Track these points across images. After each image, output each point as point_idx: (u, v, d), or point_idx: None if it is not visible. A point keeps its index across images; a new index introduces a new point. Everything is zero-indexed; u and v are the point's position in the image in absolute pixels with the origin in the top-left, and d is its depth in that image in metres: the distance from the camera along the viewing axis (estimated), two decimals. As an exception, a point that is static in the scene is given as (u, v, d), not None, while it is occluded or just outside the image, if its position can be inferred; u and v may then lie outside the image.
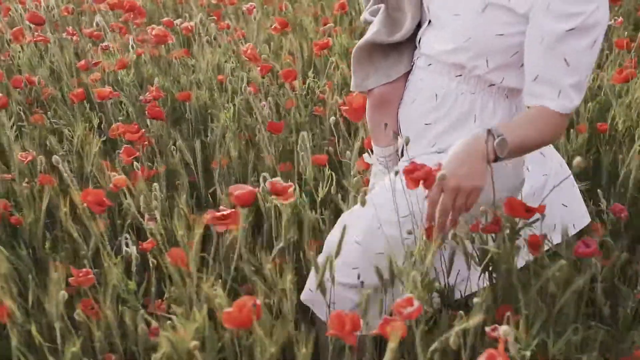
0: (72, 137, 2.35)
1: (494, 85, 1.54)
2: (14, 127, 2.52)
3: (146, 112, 2.36)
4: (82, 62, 2.79)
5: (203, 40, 3.12)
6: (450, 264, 1.49)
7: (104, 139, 2.48)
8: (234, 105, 2.50)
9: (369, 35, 1.71)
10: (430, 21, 1.60)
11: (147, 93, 2.45)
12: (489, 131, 1.37)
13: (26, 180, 2.12)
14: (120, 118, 2.69)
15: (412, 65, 1.68)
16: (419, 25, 1.66)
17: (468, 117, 1.57)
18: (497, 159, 1.38)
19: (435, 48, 1.57)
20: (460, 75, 1.55)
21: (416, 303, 1.14)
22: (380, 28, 1.69)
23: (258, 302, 1.19)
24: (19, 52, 3.08)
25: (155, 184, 1.89)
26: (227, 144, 2.31)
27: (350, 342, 1.15)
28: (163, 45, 3.00)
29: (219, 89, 2.82)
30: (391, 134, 1.74)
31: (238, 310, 1.19)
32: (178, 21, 3.37)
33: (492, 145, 1.36)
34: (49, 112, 2.71)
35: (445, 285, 1.53)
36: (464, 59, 1.52)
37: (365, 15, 1.79)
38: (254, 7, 3.49)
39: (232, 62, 2.99)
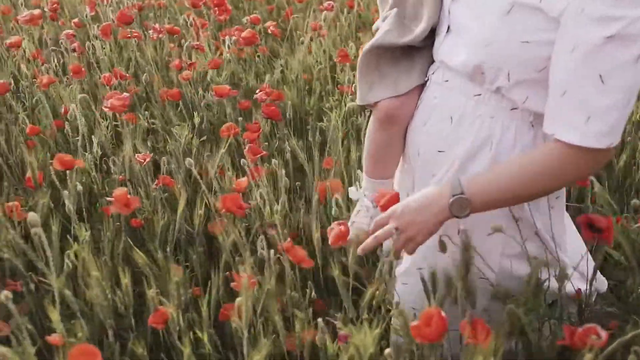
0: (179, 137, 2.27)
1: (516, 108, 1.30)
2: (109, 127, 2.47)
3: (261, 111, 2.29)
4: (176, 61, 2.71)
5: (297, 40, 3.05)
6: None
7: (204, 138, 2.42)
8: (345, 104, 2.43)
9: (376, 37, 1.46)
10: (449, 27, 1.38)
11: (259, 91, 2.37)
12: (452, 185, 1.25)
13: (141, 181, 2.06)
14: (213, 118, 2.62)
15: (427, 80, 1.45)
16: (433, 33, 1.44)
17: (484, 146, 1.34)
18: (457, 217, 1.26)
19: (454, 58, 1.35)
20: (480, 95, 1.33)
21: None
22: (392, 29, 1.45)
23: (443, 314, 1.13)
24: (104, 48, 3.02)
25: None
26: (340, 144, 2.23)
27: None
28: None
29: (311, 90, 2.76)
30: (391, 166, 1.53)
31: (425, 324, 1.13)
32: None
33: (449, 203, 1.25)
34: (139, 112, 2.64)
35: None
36: (484, 70, 1.29)
37: (379, 22, 1.54)
38: (332, 6, 3.41)
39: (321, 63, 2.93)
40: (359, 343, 1.19)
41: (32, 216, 1.36)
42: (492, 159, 1.33)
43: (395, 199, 1.36)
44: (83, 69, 2.76)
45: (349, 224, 1.57)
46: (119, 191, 1.72)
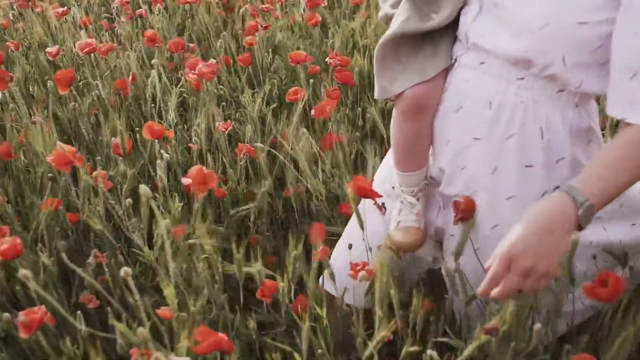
0: (249, 105, 2.19)
1: (563, 91, 1.22)
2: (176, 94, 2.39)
3: (334, 77, 2.21)
4: (252, 22, 2.62)
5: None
6: None
7: (275, 105, 2.34)
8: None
9: (396, 26, 1.33)
10: (480, 7, 1.26)
11: (329, 58, 2.28)
12: (570, 195, 1.08)
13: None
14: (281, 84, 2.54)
15: (454, 62, 1.34)
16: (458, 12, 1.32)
17: (532, 133, 1.25)
18: (580, 229, 1.09)
19: (491, 42, 1.24)
20: (523, 79, 1.23)
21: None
22: (411, 15, 1.33)
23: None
24: (157, 14, 2.94)
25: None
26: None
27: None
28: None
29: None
30: (424, 156, 1.40)
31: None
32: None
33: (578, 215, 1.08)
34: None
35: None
36: (534, 55, 1.18)
37: (385, 8, 1.44)
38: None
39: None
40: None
41: (143, 189, 1.29)
42: (546, 147, 1.24)
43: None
44: (157, 34, 2.67)
45: (394, 225, 1.47)
46: (195, 170, 1.68)
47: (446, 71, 1.33)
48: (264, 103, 2.28)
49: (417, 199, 1.43)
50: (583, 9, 1.13)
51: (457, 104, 1.31)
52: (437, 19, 1.30)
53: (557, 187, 1.22)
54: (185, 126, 2.32)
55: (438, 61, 1.32)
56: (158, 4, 3.07)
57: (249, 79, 2.54)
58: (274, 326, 1.48)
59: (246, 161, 1.94)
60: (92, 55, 2.49)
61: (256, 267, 1.39)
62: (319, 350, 1.30)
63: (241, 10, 2.93)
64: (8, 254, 1.31)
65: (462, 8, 1.30)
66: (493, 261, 1.09)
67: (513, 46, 1.20)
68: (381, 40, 1.34)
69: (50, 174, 1.93)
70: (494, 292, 1.09)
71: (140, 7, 3.07)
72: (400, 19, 1.33)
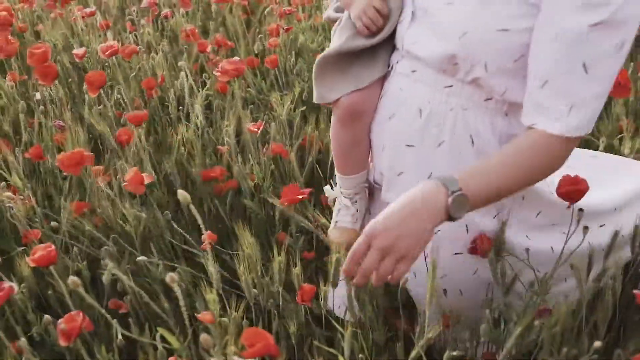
0: (276, 107, 2.17)
1: (491, 99, 1.22)
2: (201, 96, 2.38)
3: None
4: (274, 25, 2.60)
5: None
6: None
7: (303, 108, 2.32)
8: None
9: (342, 42, 1.33)
10: (413, 14, 1.26)
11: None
12: (443, 182, 1.08)
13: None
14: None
15: (390, 69, 1.34)
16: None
17: (462, 140, 1.25)
18: (451, 219, 1.09)
19: (422, 48, 1.24)
20: (451, 87, 1.23)
21: None
22: (354, 33, 1.33)
23: None
24: (184, 17, 2.93)
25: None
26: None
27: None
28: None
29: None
30: (362, 161, 1.41)
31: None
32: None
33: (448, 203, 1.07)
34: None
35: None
36: (458, 61, 1.18)
37: (329, 12, 1.44)
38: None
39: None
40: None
41: (182, 194, 1.28)
42: (477, 153, 1.25)
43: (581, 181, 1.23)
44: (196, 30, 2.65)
45: (332, 224, 1.51)
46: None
47: (383, 79, 1.34)
48: (293, 105, 2.27)
49: (355, 202, 1.46)
50: (504, 17, 1.12)
51: (391, 112, 1.31)
52: (382, 34, 1.30)
53: None
54: (211, 129, 2.30)
55: (375, 69, 1.32)
56: (181, 8, 3.06)
57: (272, 81, 2.52)
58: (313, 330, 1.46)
59: (278, 161, 1.92)
60: (115, 57, 2.48)
61: (296, 271, 1.37)
62: (360, 355, 1.28)
63: (265, 12, 2.91)
64: (43, 262, 1.29)
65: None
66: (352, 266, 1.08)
67: (440, 52, 1.20)
68: (325, 53, 1.35)
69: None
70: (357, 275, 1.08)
71: (163, 10, 3.06)
72: (347, 35, 1.33)
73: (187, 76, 2.20)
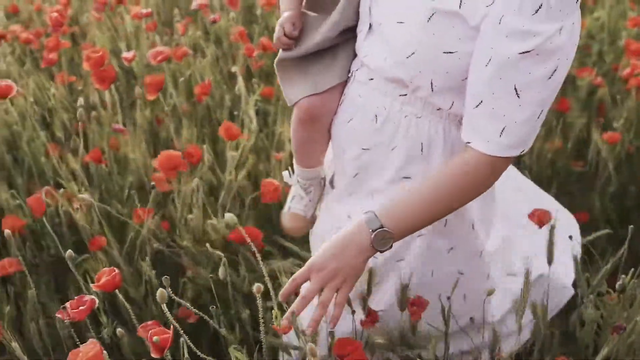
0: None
1: (442, 109, 1.26)
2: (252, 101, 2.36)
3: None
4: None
5: None
6: None
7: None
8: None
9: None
10: (370, 26, 1.29)
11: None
12: (366, 221, 1.18)
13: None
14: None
15: (350, 76, 1.37)
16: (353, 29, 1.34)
17: (413, 146, 1.30)
18: (380, 251, 1.20)
19: (373, 60, 1.28)
20: (405, 95, 1.26)
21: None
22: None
23: None
24: (229, 20, 2.91)
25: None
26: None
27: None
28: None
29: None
30: (317, 157, 1.48)
31: None
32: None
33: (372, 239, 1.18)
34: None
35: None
36: (406, 77, 1.22)
37: None
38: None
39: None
40: None
41: (230, 216, 1.29)
42: (425, 160, 1.30)
43: None
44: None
45: (285, 209, 1.60)
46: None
47: (344, 84, 1.37)
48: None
49: (309, 192, 1.53)
50: (450, 39, 1.14)
51: (350, 116, 1.35)
52: (313, 42, 1.34)
53: None
54: (261, 134, 2.29)
55: (333, 75, 1.36)
56: (232, 12, 3.02)
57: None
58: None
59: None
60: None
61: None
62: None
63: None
64: (108, 287, 1.29)
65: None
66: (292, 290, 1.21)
67: (388, 70, 1.24)
68: (277, 58, 1.39)
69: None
70: (296, 303, 1.18)
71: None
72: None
73: (241, 82, 2.19)
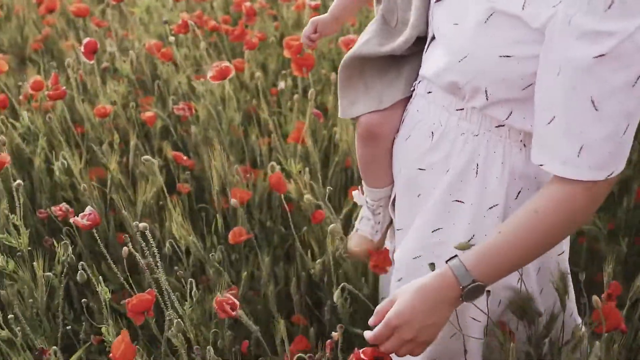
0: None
1: (502, 125, 1.14)
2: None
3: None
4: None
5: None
6: None
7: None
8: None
9: (355, 47, 1.34)
10: (433, 36, 1.22)
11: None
12: (456, 276, 1.07)
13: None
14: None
15: (413, 90, 1.30)
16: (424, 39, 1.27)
17: (468, 168, 1.19)
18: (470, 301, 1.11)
19: (431, 67, 1.20)
20: (462, 109, 1.17)
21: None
22: (371, 38, 1.32)
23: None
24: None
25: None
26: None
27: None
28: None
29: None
30: (382, 176, 1.41)
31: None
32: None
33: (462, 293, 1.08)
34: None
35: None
36: (459, 80, 1.13)
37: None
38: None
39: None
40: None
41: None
42: (480, 184, 1.19)
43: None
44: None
45: (354, 230, 1.59)
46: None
47: (407, 100, 1.31)
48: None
49: (377, 214, 1.48)
50: (507, 41, 1.04)
51: (409, 132, 1.28)
52: (395, 43, 1.29)
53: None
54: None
55: (397, 90, 1.30)
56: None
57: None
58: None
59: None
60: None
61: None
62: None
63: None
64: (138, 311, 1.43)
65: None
66: (380, 321, 1.11)
67: (443, 75, 1.16)
68: (343, 59, 1.35)
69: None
70: (381, 347, 1.12)
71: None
72: (362, 40, 1.34)
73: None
